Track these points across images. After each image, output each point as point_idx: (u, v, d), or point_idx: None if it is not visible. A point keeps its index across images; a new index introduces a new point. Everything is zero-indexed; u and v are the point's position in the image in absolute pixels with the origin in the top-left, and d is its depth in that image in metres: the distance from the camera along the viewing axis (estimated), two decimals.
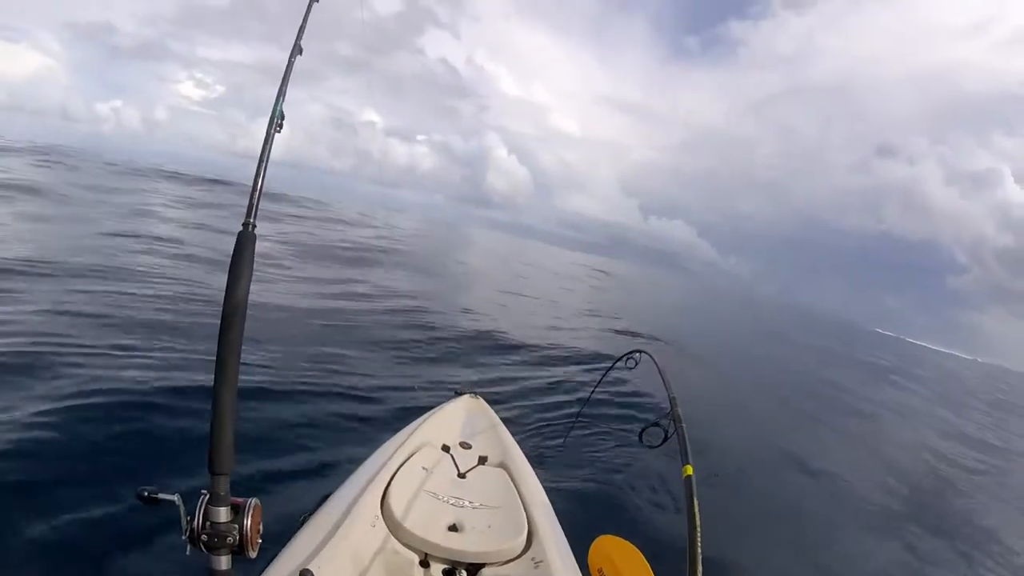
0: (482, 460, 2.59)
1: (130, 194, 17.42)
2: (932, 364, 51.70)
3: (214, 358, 1.39)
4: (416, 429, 2.83)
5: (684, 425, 2.11)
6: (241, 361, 1.41)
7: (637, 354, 3.47)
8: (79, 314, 5.28)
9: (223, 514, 1.33)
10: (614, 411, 6.27)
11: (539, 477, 2.69)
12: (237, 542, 1.33)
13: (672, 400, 2.35)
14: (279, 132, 1.82)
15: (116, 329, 5.13)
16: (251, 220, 1.54)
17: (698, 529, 1.53)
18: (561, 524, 2.32)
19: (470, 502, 2.19)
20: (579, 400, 5.60)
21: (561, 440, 4.91)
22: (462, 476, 2.43)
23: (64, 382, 3.86)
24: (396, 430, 2.88)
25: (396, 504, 2.04)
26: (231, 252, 1.51)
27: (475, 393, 3.64)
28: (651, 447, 2.21)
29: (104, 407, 3.66)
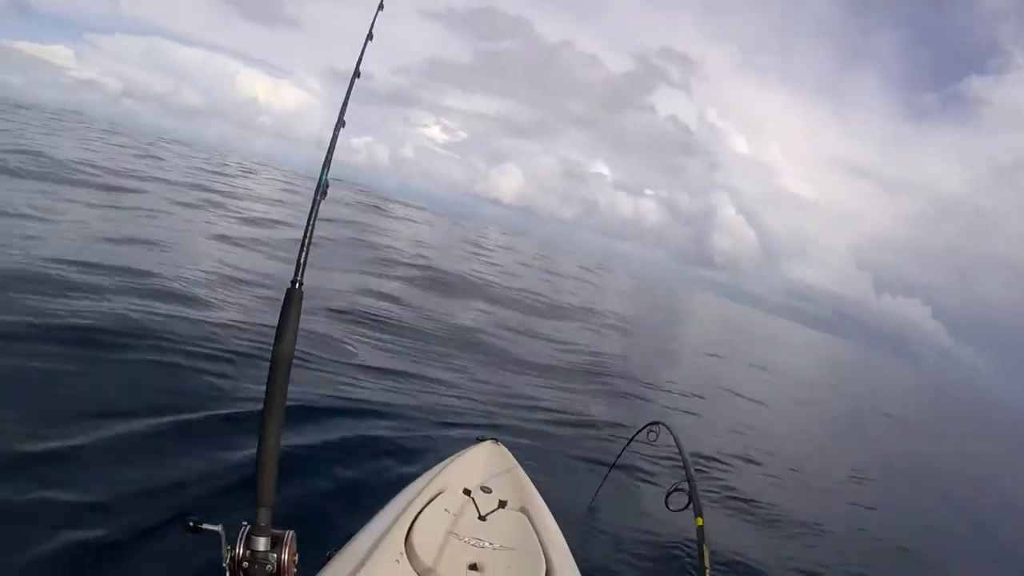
0: (502, 504, 2.68)
1: None
2: None
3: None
4: (439, 473, 2.94)
5: (697, 485, 2.42)
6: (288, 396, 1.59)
7: (656, 426, 3.73)
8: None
9: (263, 543, 1.46)
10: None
11: (559, 523, 2.77)
12: (275, 571, 1.46)
13: (686, 463, 2.67)
14: (323, 198, 2.01)
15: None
16: (298, 278, 1.73)
17: (708, 570, 1.76)
18: (580, 569, 2.40)
19: (490, 543, 2.29)
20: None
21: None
22: (483, 519, 2.52)
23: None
24: (419, 473, 3.00)
25: (419, 543, 2.15)
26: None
27: (496, 440, 3.75)
28: (677, 511, 2.45)
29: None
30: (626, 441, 4.39)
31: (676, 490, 2.49)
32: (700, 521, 2.11)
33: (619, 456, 4.61)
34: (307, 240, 1.83)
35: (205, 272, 8.83)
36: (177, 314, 6.54)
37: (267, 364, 1.60)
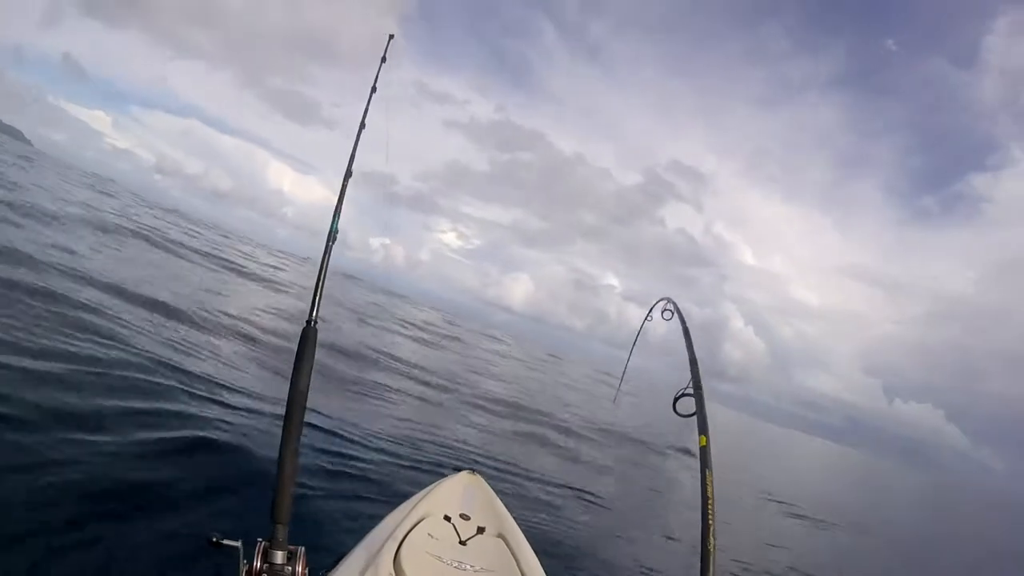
0: (480, 530, 2.84)
1: None
2: None
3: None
4: (421, 500, 3.09)
5: (703, 392, 2.17)
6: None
7: (670, 303, 3.29)
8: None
9: (280, 557, 1.62)
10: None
11: (534, 548, 2.94)
12: None
13: (693, 363, 2.37)
14: (333, 243, 2.24)
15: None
16: (313, 318, 1.92)
17: (711, 500, 1.62)
18: None
19: (471, 566, 2.45)
20: None
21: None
22: (463, 543, 2.68)
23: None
24: (403, 500, 3.14)
25: (407, 565, 2.30)
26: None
27: (473, 470, 3.90)
28: (684, 416, 2.21)
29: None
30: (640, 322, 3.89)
31: (684, 395, 2.24)
32: (704, 440, 1.87)
33: (637, 335, 4.05)
34: (321, 282, 2.04)
35: None
36: None
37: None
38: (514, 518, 3.25)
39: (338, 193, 2.40)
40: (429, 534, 2.67)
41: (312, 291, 1.99)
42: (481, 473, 3.90)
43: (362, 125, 2.73)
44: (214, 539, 1.64)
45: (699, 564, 1.50)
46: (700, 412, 2.06)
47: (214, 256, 20.12)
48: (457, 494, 3.41)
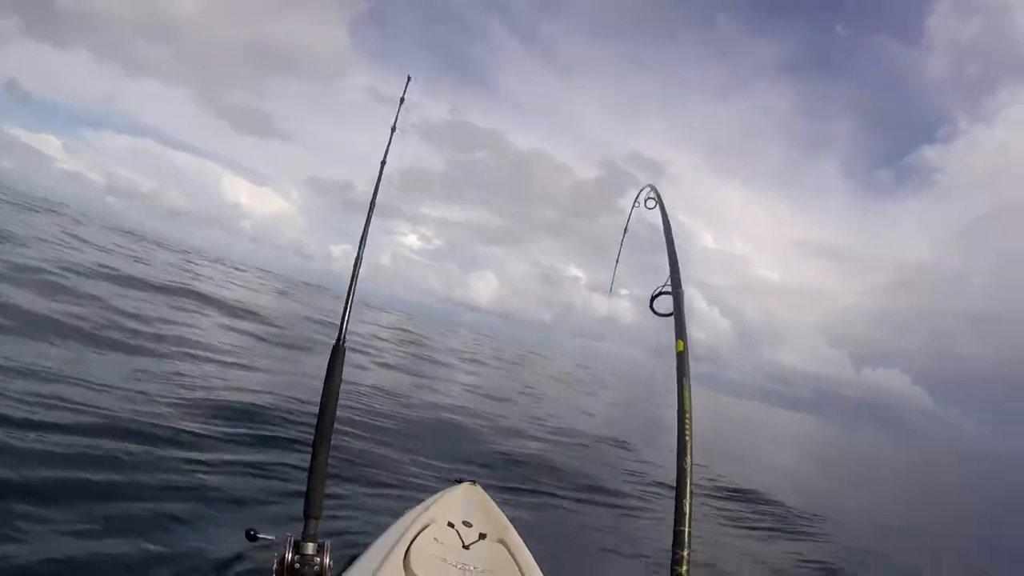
0: (482, 536, 3.04)
1: None
2: None
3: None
4: (426, 508, 3.29)
5: (683, 291, 2.06)
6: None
7: (653, 191, 3.04)
8: None
9: (311, 548, 1.84)
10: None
11: (533, 553, 3.14)
12: (320, 573, 1.83)
13: (673, 259, 2.25)
14: (359, 268, 2.48)
15: None
16: (342, 336, 2.16)
17: (688, 413, 1.51)
18: None
19: (475, 568, 2.65)
20: None
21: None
22: (467, 548, 2.88)
23: None
24: (408, 509, 3.35)
25: (416, 567, 2.50)
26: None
27: (474, 481, 4.10)
28: (662, 316, 2.07)
29: None
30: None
31: (662, 293, 2.12)
32: (681, 345, 1.77)
33: (627, 221, 3.65)
34: (349, 304, 2.28)
35: None
36: None
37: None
38: (513, 525, 3.45)
39: (366, 218, 2.62)
40: (435, 539, 2.87)
41: (341, 313, 2.23)
42: (480, 484, 4.10)
43: (383, 163, 2.96)
44: (252, 533, 1.86)
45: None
46: (678, 313, 1.95)
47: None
48: (459, 503, 3.61)
